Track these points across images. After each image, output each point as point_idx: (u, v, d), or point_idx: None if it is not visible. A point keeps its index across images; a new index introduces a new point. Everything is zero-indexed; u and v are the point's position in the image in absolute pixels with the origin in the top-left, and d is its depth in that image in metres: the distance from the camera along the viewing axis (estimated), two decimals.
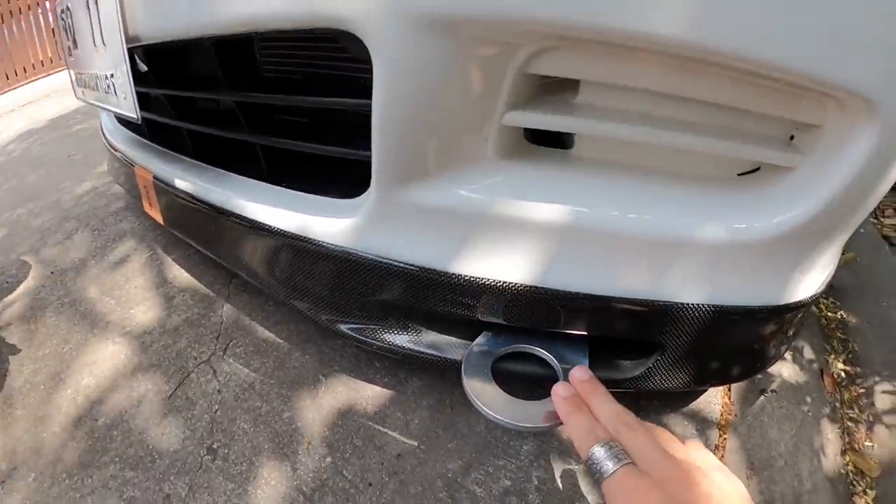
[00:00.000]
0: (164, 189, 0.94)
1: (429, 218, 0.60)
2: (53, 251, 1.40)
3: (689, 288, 0.61)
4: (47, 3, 5.42)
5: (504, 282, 0.62)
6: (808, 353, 1.05)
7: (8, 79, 5.18)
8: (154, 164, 0.98)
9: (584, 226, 0.58)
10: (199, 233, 0.94)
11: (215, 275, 1.17)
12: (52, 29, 5.58)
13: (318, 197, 0.71)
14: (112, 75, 0.82)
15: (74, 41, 0.91)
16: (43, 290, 1.24)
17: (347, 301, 0.70)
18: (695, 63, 0.47)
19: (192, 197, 0.87)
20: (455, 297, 0.63)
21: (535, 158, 0.61)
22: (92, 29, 0.83)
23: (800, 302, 0.66)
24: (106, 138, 1.26)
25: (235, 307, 1.07)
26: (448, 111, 0.53)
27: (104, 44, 0.79)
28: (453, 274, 0.62)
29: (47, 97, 4.48)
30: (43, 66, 5.48)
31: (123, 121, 1.14)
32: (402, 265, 0.63)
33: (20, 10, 5.21)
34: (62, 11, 0.96)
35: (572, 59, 0.52)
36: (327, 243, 0.67)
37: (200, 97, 0.86)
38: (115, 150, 1.15)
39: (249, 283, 1.07)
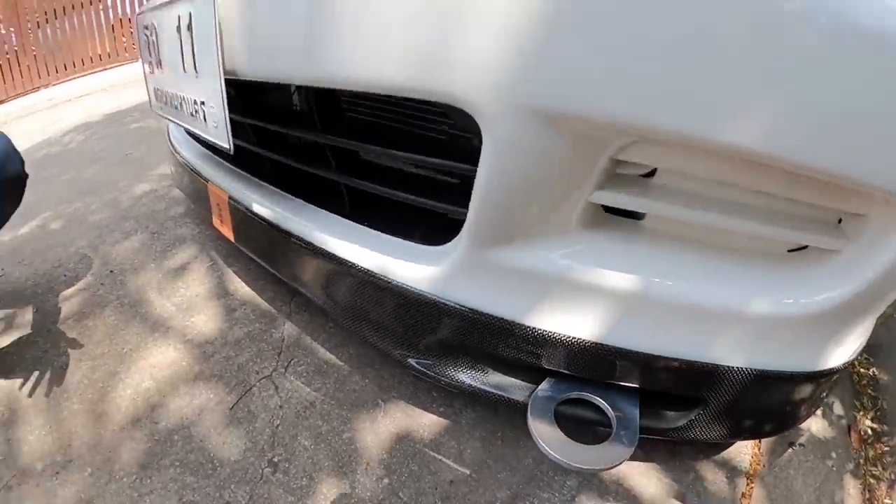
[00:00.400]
0: (239, 210, 1.00)
1: (513, 275, 0.67)
2: (113, 250, 1.47)
3: (734, 352, 0.67)
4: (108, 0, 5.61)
5: (572, 337, 0.68)
6: (838, 408, 1.10)
7: (66, 70, 5.34)
8: (230, 184, 1.05)
9: (648, 292, 0.64)
10: (271, 255, 1.00)
11: (276, 291, 1.23)
12: (112, 25, 5.77)
13: (403, 241, 0.77)
14: (203, 103, 0.88)
15: (159, 61, 0.97)
16: (102, 289, 1.30)
17: (421, 339, 0.77)
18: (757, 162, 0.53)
19: (270, 223, 0.93)
20: (527, 346, 0.70)
21: (610, 228, 0.67)
22: (182, 53, 0.88)
23: (834, 369, 0.72)
24: (174, 147, 1.33)
25: (297, 326, 1.14)
26: (544, 186, 0.59)
27: (196, 71, 0.85)
28: (528, 326, 0.68)
29: (104, 91, 4.59)
30: (101, 60, 5.64)
31: (195, 135, 1.20)
32: (482, 314, 0.70)
33: (81, 4, 5.37)
34: (146, 27, 1.01)
35: (654, 151, 0.58)
36: (409, 286, 0.74)
37: (294, 134, 0.92)
38: (185, 162, 1.21)
39: (311, 302, 1.13)
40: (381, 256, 0.77)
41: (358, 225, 0.83)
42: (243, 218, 1.01)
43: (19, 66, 4.94)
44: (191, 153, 1.22)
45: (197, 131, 0.94)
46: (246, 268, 1.32)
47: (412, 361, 0.79)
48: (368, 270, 0.78)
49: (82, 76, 5.41)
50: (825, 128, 0.48)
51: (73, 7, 5.35)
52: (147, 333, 1.15)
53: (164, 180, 1.94)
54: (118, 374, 1.05)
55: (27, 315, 1.23)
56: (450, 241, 0.71)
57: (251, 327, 1.14)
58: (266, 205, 0.95)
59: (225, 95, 0.78)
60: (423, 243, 0.76)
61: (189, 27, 0.83)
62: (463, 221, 0.67)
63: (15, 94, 4.90)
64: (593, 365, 0.70)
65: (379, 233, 0.80)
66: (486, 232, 0.65)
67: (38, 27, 5.23)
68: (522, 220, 0.63)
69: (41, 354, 1.11)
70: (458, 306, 0.71)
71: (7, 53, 4.84)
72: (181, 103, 0.96)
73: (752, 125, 0.49)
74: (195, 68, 0.85)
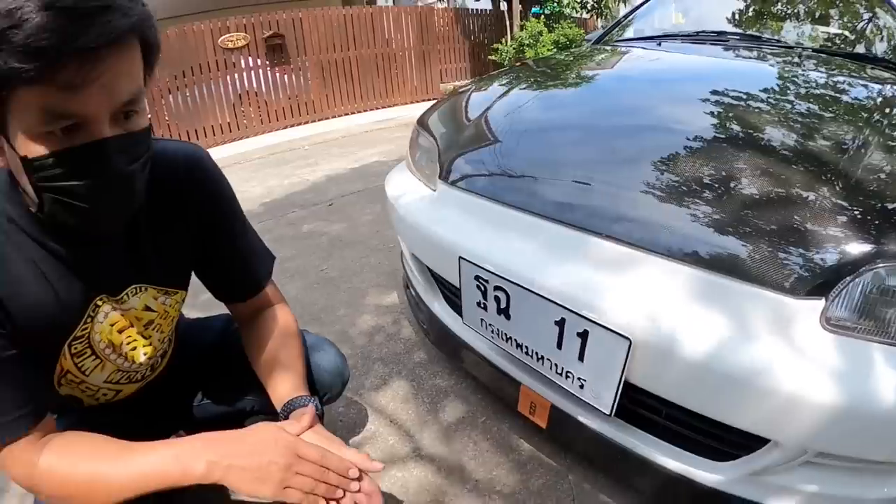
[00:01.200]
0: (561, 414, 1.25)
1: None
2: (379, 398, 1.75)
3: None
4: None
5: None
6: None
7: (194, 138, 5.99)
8: (559, 400, 1.25)
9: None
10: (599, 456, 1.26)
11: (551, 448, 1.49)
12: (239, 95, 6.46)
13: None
14: (583, 380, 1.09)
15: (507, 314, 1.23)
16: (395, 442, 1.57)
17: None
18: None
19: (606, 439, 1.18)
20: None
21: None
22: (560, 345, 1.10)
23: None
24: (444, 325, 1.60)
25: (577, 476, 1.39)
26: None
27: (581, 361, 1.07)
28: None
29: (239, 166, 5.08)
30: (223, 132, 6.29)
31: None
32: None
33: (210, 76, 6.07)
34: (477, 278, 1.26)
35: None
36: None
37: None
38: (473, 350, 1.48)
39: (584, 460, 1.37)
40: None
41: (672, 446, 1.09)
42: (564, 422, 1.26)
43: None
44: (482, 346, 1.44)
45: (557, 381, 1.16)
46: (515, 425, 1.58)
47: None
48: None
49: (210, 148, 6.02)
50: None
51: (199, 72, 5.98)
52: (460, 487, 1.40)
53: (382, 313, 2.23)
54: None
55: None
56: None
57: (545, 478, 1.40)
58: (596, 424, 1.19)
59: (619, 393, 1.04)
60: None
61: (581, 336, 1.05)
62: None
63: None
64: None
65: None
66: None
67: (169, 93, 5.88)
68: None
69: None
70: None
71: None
72: (539, 357, 1.18)
73: None
74: (580, 359, 1.08)
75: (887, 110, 1.39)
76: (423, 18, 9.47)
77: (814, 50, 1.99)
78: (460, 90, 2.07)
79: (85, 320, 0.93)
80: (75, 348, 0.95)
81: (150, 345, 1.06)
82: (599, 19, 11.29)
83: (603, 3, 10.61)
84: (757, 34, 2.34)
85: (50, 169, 0.71)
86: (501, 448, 1.52)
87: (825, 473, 0.96)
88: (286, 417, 1.01)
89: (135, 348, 1.03)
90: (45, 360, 0.93)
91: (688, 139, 1.28)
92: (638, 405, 1.11)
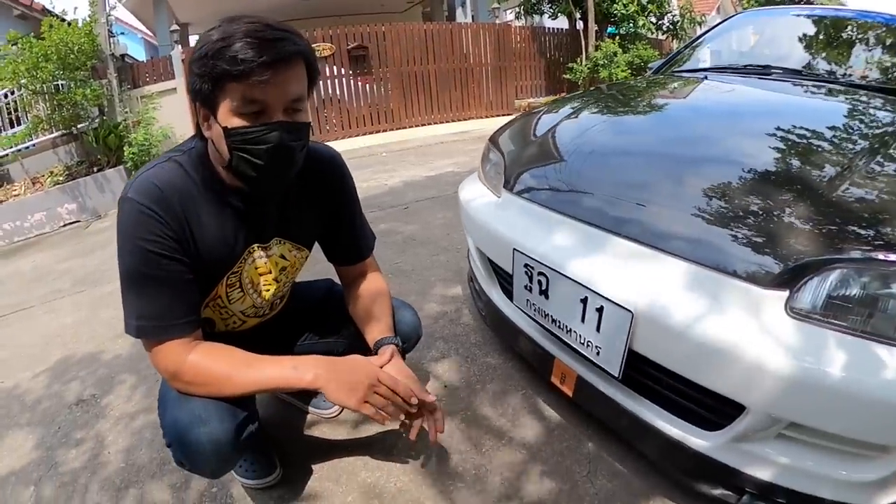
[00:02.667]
0: (585, 384, 1.55)
1: None
2: (438, 367, 2.09)
3: None
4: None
5: None
6: None
7: None
8: (583, 371, 1.54)
9: None
10: (613, 420, 1.54)
11: (577, 417, 1.76)
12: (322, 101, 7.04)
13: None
14: (599, 348, 1.36)
15: (546, 294, 1.54)
16: (446, 403, 1.89)
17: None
18: None
19: (618, 405, 1.46)
20: None
21: None
22: (583, 318, 1.37)
23: None
24: (498, 310, 1.93)
25: (595, 444, 1.64)
26: None
27: (598, 332, 1.33)
28: None
29: None
30: (312, 133, 6.85)
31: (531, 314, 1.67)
32: None
33: None
34: (525, 265, 1.60)
35: None
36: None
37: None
38: (520, 329, 1.79)
39: (604, 428, 1.64)
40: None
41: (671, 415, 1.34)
42: (586, 390, 1.55)
43: None
44: (526, 326, 1.77)
45: (580, 349, 1.45)
46: (549, 398, 1.86)
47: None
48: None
49: None
50: None
51: None
52: (496, 441, 1.70)
53: (446, 302, 2.58)
54: (483, 466, 1.61)
55: None
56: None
57: (568, 442, 1.68)
58: (612, 391, 1.48)
59: (624, 360, 1.32)
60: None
61: (598, 311, 1.35)
62: None
63: None
64: None
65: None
66: None
67: None
68: None
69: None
70: None
71: None
72: (567, 330, 1.48)
73: None
74: (597, 329, 1.37)
75: None
76: (500, 35, 9.73)
77: (881, 90, 2.09)
78: (531, 111, 2.40)
79: (241, 260, 1.29)
80: (230, 280, 1.29)
81: (278, 287, 1.42)
82: (675, 41, 11.28)
83: (678, 24, 10.56)
84: (824, 70, 2.49)
85: (241, 136, 1.05)
86: (535, 415, 1.81)
87: (798, 448, 1.14)
88: (376, 353, 1.37)
89: (268, 289, 1.39)
90: (205, 286, 1.26)
91: (710, 167, 1.57)
92: (642, 375, 1.39)
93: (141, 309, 1.12)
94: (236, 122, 1.05)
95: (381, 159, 6.38)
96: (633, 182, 1.60)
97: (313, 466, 1.64)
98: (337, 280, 1.67)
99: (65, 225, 6.07)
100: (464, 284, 2.76)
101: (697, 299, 1.22)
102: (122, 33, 9.10)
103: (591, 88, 4.00)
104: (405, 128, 8.76)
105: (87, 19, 7.09)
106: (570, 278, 1.42)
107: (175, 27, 8.50)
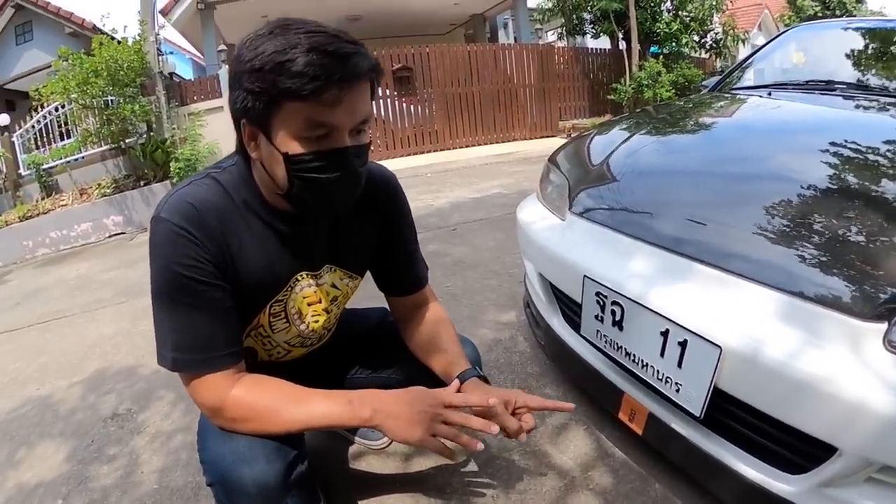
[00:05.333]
0: (661, 424, 1.44)
1: None
2: None
3: None
4: None
5: None
6: None
7: None
8: (656, 408, 1.43)
9: None
10: (686, 460, 1.43)
11: (641, 456, 1.65)
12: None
13: None
14: (679, 385, 1.29)
15: (621, 325, 1.45)
16: (503, 437, 1.79)
17: None
18: None
19: (693, 445, 1.35)
20: None
21: None
22: (663, 354, 1.28)
23: None
24: (559, 338, 1.83)
25: (662, 485, 1.53)
26: None
27: (679, 367, 1.26)
28: None
29: None
30: None
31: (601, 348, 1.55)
32: None
33: None
34: (598, 294, 1.50)
35: None
36: None
37: None
38: (584, 361, 1.69)
39: (671, 468, 1.52)
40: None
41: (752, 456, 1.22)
42: (658, 428, 1.44)
43: None
44: (593, 357, 1.66)
45: (657, 386, 1.35)
46: (613, 434, 1.75)
47: None
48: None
49: None
50: None
51: None
52: (558, 481, 1.60)
53: (500, 328, 2.49)
54: None
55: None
56: None
57: (633, 483, 1.56)
58: (688, 430, 1.37)
59: (708, 399, 1.21)
60: None
61: (681, 345, 1.25)
62: None
63: None
64: None
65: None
66: None
67: None
68: None
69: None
70: None
71: None
72: (643, 364, 1.38)
73: None
74: (679, 366, 1.27)
75: None
76: (543, 56, 9.76)
77: None
78: (584, 133, 2.32)
79: (286, 288, 1.18)
80: (274, 309, 1.18)
81: (328, 319, 1.30)
82: (718, 59, 11.08)
83: (721, 42, 10.39)
84: (880, 87, 2.38)
85: (306, 163, 0.94)
86: (598, 453, 1.70)
87: (890, 493, 1.05)
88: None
89: (317, 320, 1.27)
90: (246, 315, 1.14)
91: (789, 187, 1.45)
92: (724, 414, 1.27)
93: (177, 340, 1.03)
94: (297, 147, 0.94)
95: (426, 180, 6.38)
96: (715, 205, 1.50)
97: (360, 502, 1.56)
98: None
99: (110, 236, 6.25)
100: (518, 310, 2.67)
101: (791, 333, 1.12)
102: (171, 53, 9.41)
103: (646, 107, 3.90)
104: (449, 149, 8.80)
105: (137, 38, 7.43)
106: (649, 309, 1.32)
107: (222, 47, 8.75)
